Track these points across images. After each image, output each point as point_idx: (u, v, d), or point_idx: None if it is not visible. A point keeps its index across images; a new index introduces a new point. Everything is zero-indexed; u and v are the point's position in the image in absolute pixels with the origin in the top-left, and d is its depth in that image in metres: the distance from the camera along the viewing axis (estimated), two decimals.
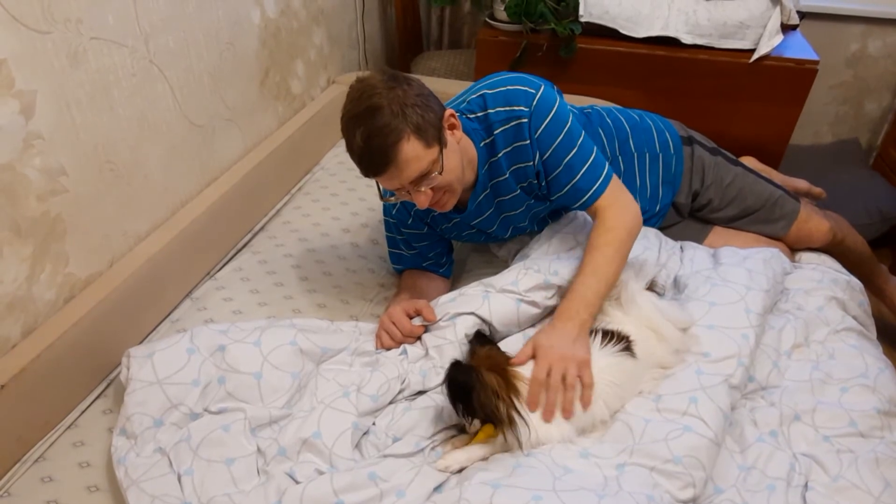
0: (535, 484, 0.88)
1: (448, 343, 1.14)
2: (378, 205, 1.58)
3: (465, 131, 1.16)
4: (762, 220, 1.47)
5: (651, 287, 1.17)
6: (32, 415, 1.04)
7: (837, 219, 1.54)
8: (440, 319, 1.17)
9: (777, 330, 1.20)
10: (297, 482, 0.94)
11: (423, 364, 1.13)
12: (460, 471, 0.98)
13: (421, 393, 1.11)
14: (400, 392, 1.10)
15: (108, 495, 0.98)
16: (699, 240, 1.45)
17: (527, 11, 1.88)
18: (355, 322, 1.27)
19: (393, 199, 1.15)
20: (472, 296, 1.19)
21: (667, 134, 1.47)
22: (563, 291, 1.20)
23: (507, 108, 1.15)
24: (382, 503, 0.91)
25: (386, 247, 1.42)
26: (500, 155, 1.19)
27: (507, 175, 1.21)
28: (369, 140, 1.01)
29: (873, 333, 1.29)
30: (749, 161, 1.67)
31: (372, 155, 1.02)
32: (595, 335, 1.07)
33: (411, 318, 1.19)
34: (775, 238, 1.47)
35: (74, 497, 0.97)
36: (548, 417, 0.99)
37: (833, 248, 1.49)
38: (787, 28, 1.96)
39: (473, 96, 1.20)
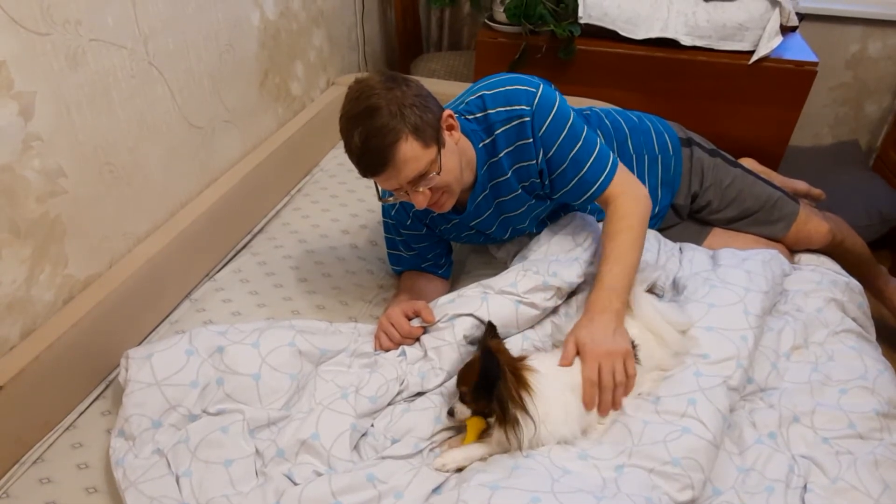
0: (533, 485, 0.88)
1: (447, 344, 1.14)
2: (377, 206, 1.58)
3: (464, 132, 1.16)
4: (761, 222, 1.47)
5: (651, 289, 1.17)
6: (31, 416, 1.04)
7: (837, 220, 1.54)
8: (439, 321, 1.17)
9: (776, 331, 1.20)
10: (296, 483, 0.94)
11: (421, 365, 1.13)
12: (458, 470, 0.98)
13: (419, 394, 1.11)
14: (398, 393, 1.10)
15: (106, 496, 0.98)
16: (698, 241, 1.45)
17: (526, 13, 1.88)
18: (354, 323, 1.27)
19: (391, 199, 1.16)
20: (471, 297, 1.19)
21: (666, 135, 1.47)
22: (562, 293, 1.20)
23: (508, 108, 1.15)
24: None
25: (385, 248, 1.42)
26: (501, 155, 1.19)
27: (509, 175, 1.21)
28: (367, 140, 1.01)
29: (873, 335, 1.29)
30: (748, 163, 1.67)
31: (370, 155, 1.03)
32: None
33: (410, 319, 1.19)
34: (774, 239, 1.47)
35: (73, 498, 0.97)
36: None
37: (832, 250, 1.49)
38: (786, 30, 1.96)
39: (472, 97, 1.20)
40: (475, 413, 1.00)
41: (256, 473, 0.97)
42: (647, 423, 0.99)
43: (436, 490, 0.95)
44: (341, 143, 1.07)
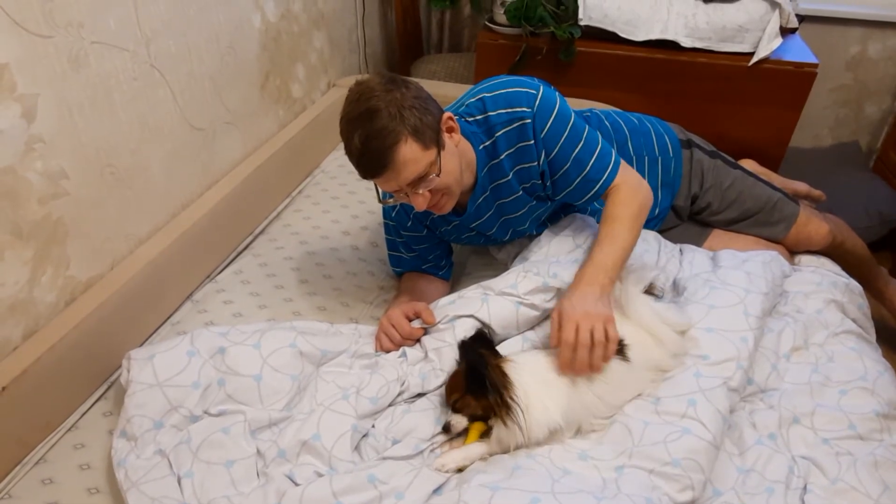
0: (533, 486, 0.88)
1: (447, 345, 1.14)
2: (378, 207, 1.58)
3: (464, 134, 1.16)
4: (761, 223, 1.47)
5: (650, 289, 1.17)
6: (33, 417, 1.05)
7: (837, 221, 1.54)
8: (439, 322, 1.18)
9: (776, 333, 1.20)
10: (297, 484, 0.95)
11: (422, 366, 1.14)
12: (459, 471, 0.98)
13: (420, 395, 1.11)
14: (399, 394, 1.10)
15: (108, 497, 0.98)
16: (698, 242, 1.46)
17: (526, 15, 1.89)
18: (355, 324, 1.27)
19: (391, 201, 1.16)
20: (472, 298, 1.20)
21: (666, 137, 1.47)
22: (562, 294, 1.20)
23: (509, 110, 1.16)
24: None
25: (386, 249, 1.42)
26: (502, 157, 1.19)
27: (510, 177, 1.21)
28: (367, 142, 1.01)
29: (873, 336, 1.29)
30: (748, 164, 1.67)
31: (370, 157, 1.03)
32: None
33: (410, 320, 1.20)
34: (774, 241, 1.47)
35: (75, 499, 0.98)
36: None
37: (832, 251, 1.49)
38: (786, 31, 1.96)
39: (472, 100, 1.21)
40: (471, 419, 1.01)
41: (258, 474, 0.97)
42: (648, 423, 0.99)
43: (436, 491, 0.95)
44: (342, 145, 1.08)
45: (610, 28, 1.92)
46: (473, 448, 1.00)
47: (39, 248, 1.08)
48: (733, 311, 1.15)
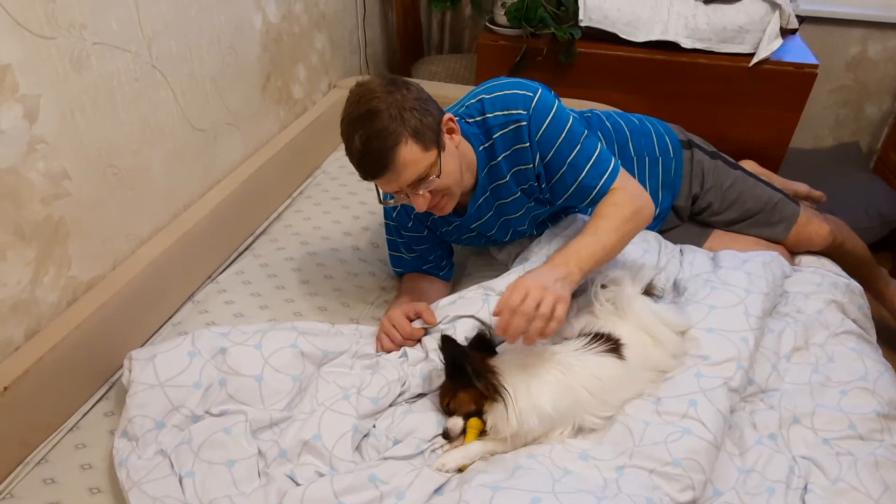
0: (534, 486, 0.88)
1: None
2: (379, 208, 1.58)
3: (464, 135, 1.17)
4: (762, 224, 1.47)
5: (650, 290, 1.18)
6: (35, 417, 1.05)
7: (837, 222, 1.54)
8: (440, 322, 1.18)
9: (776, 333, 1.20)
10: (298, 484, 0.95)
11: (423, 367, 1.14)
12: (460, 470, 0.99)
13: (421, 395, 1.11)
14: (400, 395, 1.10)
15: (109, 497, 0.98)
16: (699, 243, 1.46)
17: (527, 16, 1.89)
18: (356, 325, 1.28)
19: (392, 201, 1.16)
20: (472, 299, 1.20)
21: (666, 138, 1.47)
22: None
23: (506, 112, 1.16)
24: None
25: (387, 250, 1.43)
26: (499, 158, 1.19)
27: (508, 178, 1.21)
28: (367, 143, 1.02)
29: (873, 336, 1.29)
30: (749, 165, 1.67)
31: (370, 158, 1.03)
32: (582, 337, 1.06)
33: (411, 320, 1.20)
34: (775, 241, 1.47)
35: (76, 499, 0.98)
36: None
37: (833, 252, 1.49)
38: (786, 32, 1.96)
39: (472, 101, 1.21)
40: (466, 417, 1.01)
41: (259, 474, 0.98)
42: (648, 423, 0.99)
43: (437, 490, 0.95)
44: (343, 146, 1.08)
45: (610, 29, 1.92)
46: (473, 447, 1.00)
47: (41, 249, 1.09)
48: (734, 312, 1.15)
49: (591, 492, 0.89)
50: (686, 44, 1.91)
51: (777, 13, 1.87)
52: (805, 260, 1.48)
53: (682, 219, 1.51)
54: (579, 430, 1.03)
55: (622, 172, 1.19)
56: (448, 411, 1.03)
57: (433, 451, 1.02)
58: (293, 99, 1.87)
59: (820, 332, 1.22)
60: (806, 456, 1.02)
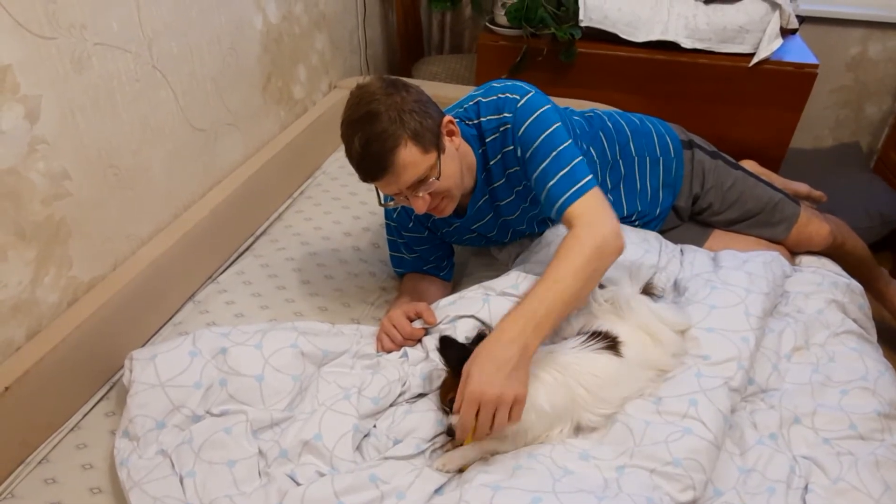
0: (534, 485, 0.88)
1: None
2: (379, 208, 1.58)
3: (464, 137, 1.17)
4: (762, 224, 1.47)
5: (650, 289, 1.18)
6: (36, 417, 1.05)
7: (838, 222, 1.54)
8: (440, 322, 1.18)
9: (777, 333, 1.20)
10: (299, 484, 0.95)
11: (423, 367, 1.14)
12: (460, 471, 0.99)
13: (421, 395, 1.11)
14: (401, 395, 1.10)
15: (110, 497, 0.99)
16: (699, 243, 1.46)
17: (527, 16, 1.89)
18: (356, 325, 1.28)
19: (392, 204, 1.17)
20: (473, 299, 1.20)
21: (667, 138, 1.47)
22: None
23: (497, 117, 1.17)
24: None
25: (387, 250, 1.43)
26: (492, 162, 1.20)
27: (503, 180, 1.22)
28: (367, 146, 1.02)
29: (874, 336, 1.29)
30: (749, 164, 1.67)
31: (370, 160, 1.04)
32: (580, 336, 1.06)
33: (412, 320, 1.20)
34: (775, 241, 1.47)
35: (77, 499, 0.98)
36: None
37: (833, 252, 1.49)
38: (786, 32, 1.96)
39: (469, 104, 1.22)
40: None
41: (259, 474, 0.98)
42: (649, 423, 0.99)
43: (438, 490, 0.95)
44: (343, 146, 1.08)
45: (610, 29, 1.93)
46: (474, 448, 1.00)
47: (42, 249, 1.09)
48: (734, 312, 1.15)
49: (591, 491, 0.89)
50: (686, 44, 1.91)
51: (777, 13, 1.87)
52: (805, 260, 1.47)
53: (683, 219, 1.52)
54: (579, 429, 1.02)
55: (594, 192, 1.08)
56: (450, 409, 1.02)
57: (434, 450, 1.02)
58: (293, 99, 1.87)
59: (820, 331, 1.22)
60: (807, 456, 1.02)
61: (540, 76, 1.98)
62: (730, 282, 1.22)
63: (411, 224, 1.34)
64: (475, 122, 1.20)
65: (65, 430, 1.08)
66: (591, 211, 1.06)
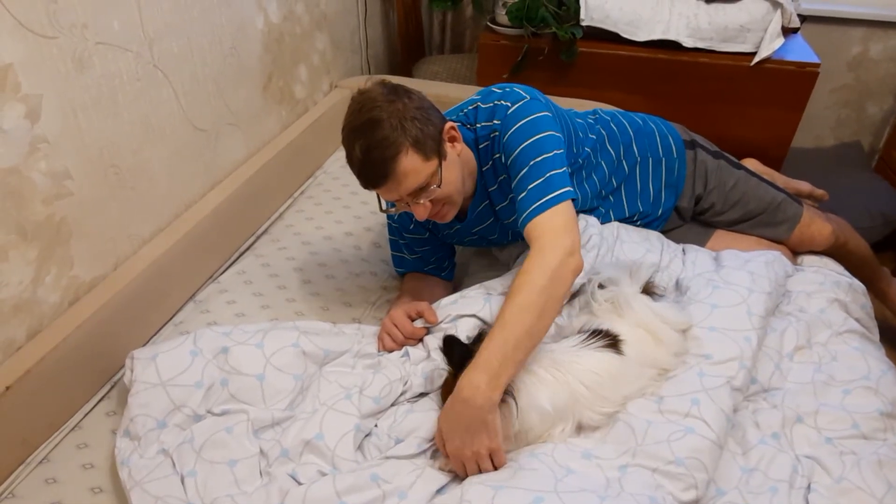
0: (536, 485, 0.88)
1: None
2: None
3: (466, 142, 1.17)
4: (764, 224, 1.47)
5: (652, 289, 1.17)
6: (37, 416, 1.05)
7: (840, 222, 1.54)
8: (442, 321, 1.18)
9: (779, 332, 1.20)
10: (300, 483, 0.95)
11: (425, 366, 1.14)
12: None
13: (423, 395, 1.11)
14: (402, 394, 1.10)
15: (111, 496, 0.98)
16: (701, 243, 1.45)
17: (528, 16, 1.89)
18: (358, 324, 1.27)
19: (393, 210, 1.17)
20: (474, 298, 1.20)
21: (670, 138, 1.47)
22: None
23: (490, 123, 1.17)
24: None
25: (388, 250, 1.43)
26: (485, 168, 1.21)
27: (496, 187, 1.22)
28: (368, 153, 1.02)
29: (876, 336, 1.29)
30: (751, 163, 1.67)
31: (371, 168, 1.04)
32: (580, 334, 1.06)
33: (413, 320, 1.20)
34: (777, 241, 1.47)
35: (78, 498, 0.98)
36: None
37: (835, 252, 1.49)
38: (787, 31, 1.96)
39: (470, 108, 1.22)
40: None
41: (261, 473, 0.98)
42: (651, 422, 0.99)
43: (439, 490, 0.95)
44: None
45: (612, 28, 1.92)
46: None
47: (43, 249, 1.09)
48: (736, 311, 1.15)
49: (593, 491, 0.89)
50: (687, 43, 1.91)
51: (779, 12, 1.87)
52: (807, 259, 1.47)
53: (685, 219, 1.51)
54: (580, 428, 1.02)
55: (560, 207, 1.04)
56: None
57: (435, 450, 1.02)
58: (295, 99, 1.87)
59: (823, 331, 1.22)
60: (809, 455, 1.02)
61: (541, 76, 1.98)
62: (732, 281, 1.22)
63: (412, 226, 1.34)
64: (473, 126, 1.20)
65: (66, 429, 1.08)
66: (548, 232, 1.02)
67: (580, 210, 1.38)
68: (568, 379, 1.00)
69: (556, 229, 1.02)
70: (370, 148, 1.02)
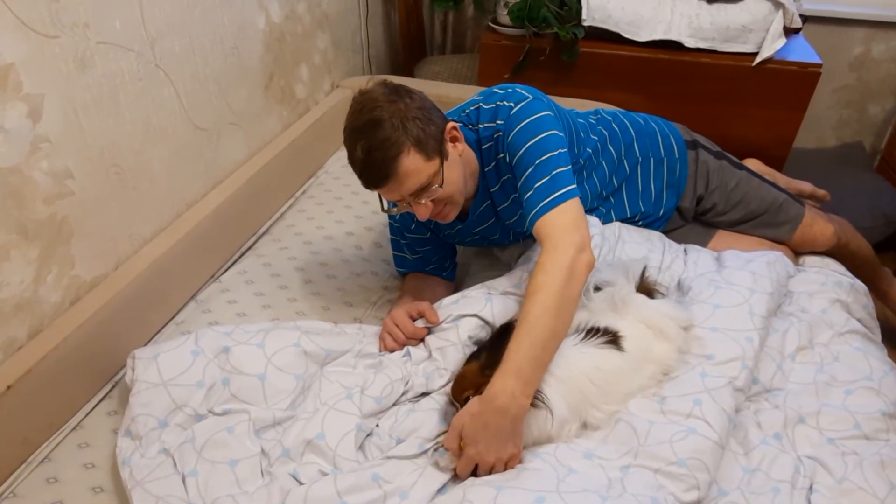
0: (538, 485, 0.88)
1: (451, 345, 1.14)
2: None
3: (468, 143, 1.17)
4: (766, 224, 1.47)
5: (654, 287, 1.17)
6: (38, 416, 1.05)
7: (842, 222, 1.53)
8: (443, 321, 1.18)
9: (781, 332, 1.20)
10: (301, 483, 0.95)
11: (426, 366, 1.14)
12: None
13: (424, 395, 1.11)
14: (403, 394, 1.10)
15: (112, 496, 0.98)
16: (703, 243, 1.45)
17: (530, 16, 1.89)
18: (359, 324, 1.27)
19: (395, 210, 1.17)
20: (475, 298, 1.20)
21: (671, 138, 1.47)
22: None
23: (493, 124, 1.17)
24: None
25: (389, 249, 1.43)
26: (487, 169, 1.20)
27: (498, 187, 1.22)
28: (370, 153, 1.02)
29: (878, 336, 1.29)
30: (753, 163, 1.67)
31: (372, 168, 1.04)
32: (579, 333, 1.06)
33: (414, 319, 1.20)
34: (779, 242, 1.47)
35: (79, 498, 0.98)
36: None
37: (837, 252, 1.49)
38: (789, 31, 1.96)
39: (471, 108, 1.22)
40: None
41: (262, 473, 0.98)
42: (653, 423, 0.98)
43: (441, 490, 0.95)
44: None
45: (613, 28, 1.92)
46: None
47: (44, 248, 1.09)
48: (738, 311, 1.15)
49: (595, 491, 0.89)
50: (689, 43, 1.91)
51: (780, 12, 1.87)
52: (809, 260, 1.47)
53: (687, 219, 1.51)
54: (584, 428, 1.02)
55: (568, 204, 1.04)
56: (461, 405, 1.01)
57: (436, 450, 1.02)
58: (296, 98, 1.87)
59: (824, 331, 1.22)
60: (811, 455, 1.02)
61: (542, 76, 1.98)
62: (734, 281, 1.22)
63: (414, 226, 1.34)
64: (475, 127, 1.20)
65: (67, 429, 1.08)
66: (558, 230, 1.02)
67: None
68: (575, 374, 1.00)
69: (566, 227, 1.03)
70: (372, 148, 1.02)
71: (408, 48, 2.47)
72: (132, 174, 1.26)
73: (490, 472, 0.94)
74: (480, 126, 1.18)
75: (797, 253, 1.49)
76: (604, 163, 1.35)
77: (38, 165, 1.04)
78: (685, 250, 1.40)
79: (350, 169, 1.10)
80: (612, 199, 1.40)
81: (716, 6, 1.90)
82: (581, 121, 1.34)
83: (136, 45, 1.21)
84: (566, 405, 0.98)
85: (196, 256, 1.39)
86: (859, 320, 1.27)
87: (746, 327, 1.12)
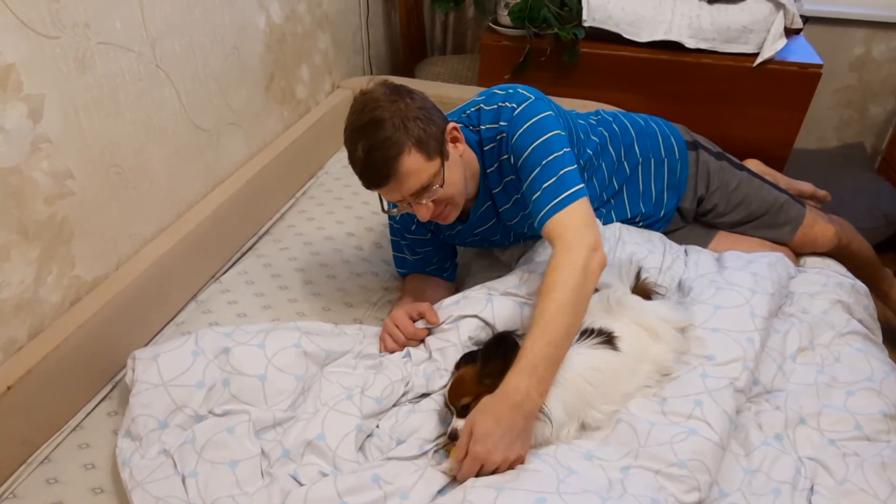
0: (539, 486, 0.88)
1: (451, 346, 1.14)
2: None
3: (469, 144, 1.17)
4: (767, 225, 1.47)
5: (653, 288, 1.17)
6: (38, 416, 1.05)
7: (843, 223, 1.53)
8: (443, 322, 1.18)
9: (782, 333, 1.20)
10: (301, 484, 0.95)
11: (426, 367, 1.13)
12: None
13: (424, 395, 1.11)
14: (404, 395, 1.10)
15: (113, 496, 0.98)
16: (704, 244, 1.45)
17: (530, 16, 1.89)
18: (359, 325, 1.27)
19: (395, 211, 1.17)
20: (476, 298, 1.20)
21: (672, 139, 1.47)
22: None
23: (495, 126, 1.17)
24: None
25: (390, 250, 1.42)
26: (489, 170, 1.20)
27: (500, 188, 1.22)
28: (370, 153, 1.02)
29: (879, 337, 1.29)
30: (753, 164, 1.67)
31: (373, 168, 1.04)
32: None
33: (415, 320, 1.20)
34: (780, 243, 1.47)
35: (79, 498, 0.98)
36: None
37: (838, 253, 1.48)
38: (790, 32, 1.96)
39: (472, 109, 1.22)
40: None
41: (262, 474, 0.97)
42: (654, 424, 0.98)
43: (441, 491, 0.94)
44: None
45: (614, 29, 1.92)
46: None
47: (45, 248, 1.09)
48: (739, 312, 1.15)
49: (596, 492, 0.88)
50: (690, 44, 1.91)
51: (781, 13, 1.87)
52: (810, 261, 1.47)
53: (687, 220, 1.51)
54: (583, 428, 1.02)
55: (577, 204, 1.05)
56: (459, 413, 1.01)
57: (436, 451, 1.02)
58: (296, 99, 1.87)
59: (825, 332, 1.22)
60: (812, 457, 1.01)
61: (543, 76, 1.98)
62: (735, 282, 1.22)
63: (414, 227, 1.33)
64: (476, 128, 1.20)
65: (67, 429, 1.08)
66: (570, 230, 1.03)
67: None
68: (571, 376, 1.00)
69: (577, 226, 1.03)
70: (372, 148, 1.02)
71: (408, 49, 2.47)
72: (132, 174, 1.26)
73: (492, 474, 0.94)
74: (482, 127, 1.18)
75: (798, 254, 1.49)
76: (604, 164, 1.35)
77: (39, 165, 1.04)
78: (686, 251, 1.40)
79: (350, 169, 1.10)
80: (612, 200, 1.40)
81: (716, 7, 1.90)
82: (581, 122, 1.34)
83: (137, 46, 1.21)
84: (563, 408, 0.98)
85: (196, 257, 1.39)
86: (860, 321, 1.27)
87: (747, 328, 1.12)
